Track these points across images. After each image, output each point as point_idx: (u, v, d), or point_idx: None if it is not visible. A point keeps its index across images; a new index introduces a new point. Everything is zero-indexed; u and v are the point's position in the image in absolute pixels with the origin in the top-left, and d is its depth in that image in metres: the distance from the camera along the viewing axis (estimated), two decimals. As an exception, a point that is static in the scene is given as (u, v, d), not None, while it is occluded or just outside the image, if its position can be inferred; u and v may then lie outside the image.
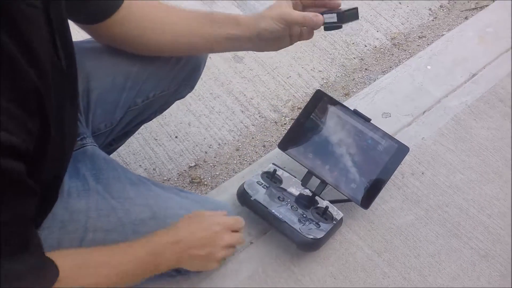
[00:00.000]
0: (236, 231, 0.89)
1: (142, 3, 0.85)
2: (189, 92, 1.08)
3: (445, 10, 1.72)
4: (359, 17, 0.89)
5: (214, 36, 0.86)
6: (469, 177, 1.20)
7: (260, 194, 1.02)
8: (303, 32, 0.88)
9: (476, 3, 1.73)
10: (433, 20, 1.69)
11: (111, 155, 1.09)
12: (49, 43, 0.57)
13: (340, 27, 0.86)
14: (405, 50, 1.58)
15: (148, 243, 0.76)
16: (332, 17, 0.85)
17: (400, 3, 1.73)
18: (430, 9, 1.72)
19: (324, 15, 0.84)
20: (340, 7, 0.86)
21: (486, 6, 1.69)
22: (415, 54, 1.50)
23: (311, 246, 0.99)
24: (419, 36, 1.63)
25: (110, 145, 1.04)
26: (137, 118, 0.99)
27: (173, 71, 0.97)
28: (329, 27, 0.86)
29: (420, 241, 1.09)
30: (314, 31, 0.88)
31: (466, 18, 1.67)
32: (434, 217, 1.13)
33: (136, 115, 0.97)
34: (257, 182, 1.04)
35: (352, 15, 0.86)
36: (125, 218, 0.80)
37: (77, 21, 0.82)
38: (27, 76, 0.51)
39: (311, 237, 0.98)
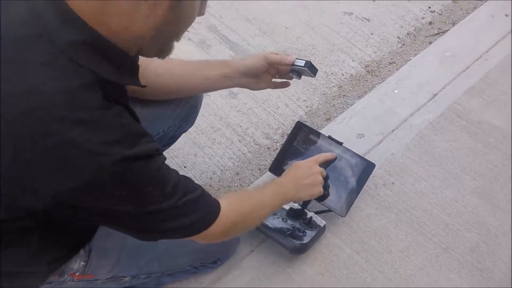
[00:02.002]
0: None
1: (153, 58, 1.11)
2: (190, 126, 1.31)
3: (411, 37, 1.96)
4: (315, 76, 1.15)
5: (210, 76, 1.12)
6: (432, 183, 1.43)
7: (255, 211, 1.25)
8: (280, 75, 1.16)
9: (439, 28, 1.97)
10: (401, 47, 1.93)
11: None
12: None
13: (301, 73, 1.12)
14: (377, 76, 1.82)
15: (277, 184, 1.09)
16: (301, 62, 1.11)
17: (372, 33, 1.98)
18: (398, 37, 1.97)
19: (296, 59, 1.10)
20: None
21: (447, 30, 1.93)
22: (384, 80, 1.74)
23: (300, 250, 1.22)
24: (389, 62, 1.87)
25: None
26: None
27: (176, 110, 1.21)
28: (295, 69, 1.11)
29: (391, 240, 1.31)
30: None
31: (430, 43, 1.91)
32: (403, 220, 1.35)
33: None
34: (253, 201, 1.28)
35: (313, 69, 1.11)
36: None
37: None
38: None
39: (299, 243, 1.21)
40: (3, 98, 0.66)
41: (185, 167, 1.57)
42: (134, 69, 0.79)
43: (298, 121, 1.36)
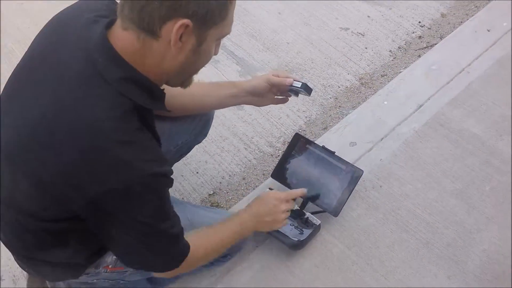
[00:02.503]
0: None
1: None
2: (204, 138, 1.51)
3: (402, 51, 2.14)
4: (310, 95, 1.34)
5: (221, 96, 1.33)
6: (416, 186, 1.61)
7: (259, 212, 1.45)
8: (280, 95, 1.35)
9: (427, 42, 2.15)
10: (393, 60, 2.11)
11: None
12: None
13: (299, 93, 1.31)
14: (370, 88, 2.00)
15: (238, 219, 1.23)
16: (298, 84, 1.30)
17: (366, 47, 2.16)
18: (390, 51, 2.15)
19: (294, 80, 1.29)
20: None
21: (435, 44, 2.11)
22: (376, 92, 1.92)
23: (298, 246, 1.41)
24: (381, 75, 2.05)
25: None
26: (171, 160, 1.43)
27: (192, 124, 1.41)
28: (292, 89, 1.31)
29: (379, 237, 1.50)
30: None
31: (419, 56, 2.09)
32: (389, 219, 1.54)
33: (171, 157, 1.41)
34: (257, 203, 1.47)
35: (309, 90, 1.30)
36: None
37: None
38: None
39: (297, 239, 1.40)
40: (70, 122, 0.86)
41: (197, 172, 1.77)
42: (161, 97, 0.97)
43: (296, 133, 1.55)
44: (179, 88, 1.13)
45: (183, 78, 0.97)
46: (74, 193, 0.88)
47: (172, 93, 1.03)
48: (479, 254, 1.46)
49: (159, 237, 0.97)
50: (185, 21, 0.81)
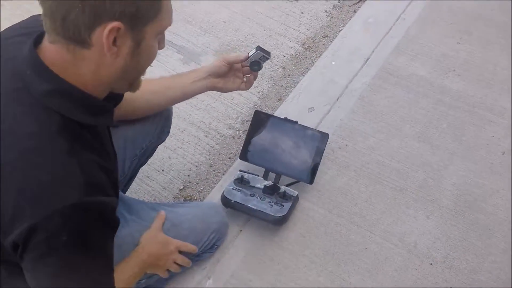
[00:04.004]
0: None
1: None
2: (167, 135, 1.47)
3: (337, 9, 2.16)
4: (270, 57, 1.32)
5: (183, 85, 1.29)
6: (379, 137, 1.65)
7: (237, 197, 1.43)
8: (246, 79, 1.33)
9: (360, -4, 2.18)
10: (330, 20, 2.12)
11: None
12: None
13: (260, 62, 1.30)
14: (314, 51, 2.01)
15: (137, 269, 1.14)
16: (253, 50, 1.29)
17: (302, 12, 2.16)
18: (326, 11, 2.16)
19: (249, 53, 1.28)
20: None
21: (367, -3, 2.14)
22: (321, 54, 1.93)
23: (281, 221, 1.42)
24: (322, 36, 2.06)
25: (124, 190, 1.44)
26: (138, 164, 1.39)
27: (153, 124, 1.36)
28: (252, 60, 1.29)
29: (356, 194, 1.53)
30: None
31: (355, 11, 2.11)
32: (361, 174, 1.57)
33: (137, 162, 1.37)
34: (232, 188, 1.46)
35: (266, 51, 1.29)
36: None
37: None
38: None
39: (279, 215, 1.40)
40: None
41: (163, 170, 1.73)
42: (104, 110, 0.88)
43: (256, 110, 1.54)
44: (143, 87, 1.07)
45: (129, 82, 0.90)
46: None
47: (132, 95, 0.98)
48: (450, 188, 1.52)
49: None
50: (115, 24, 0.75)
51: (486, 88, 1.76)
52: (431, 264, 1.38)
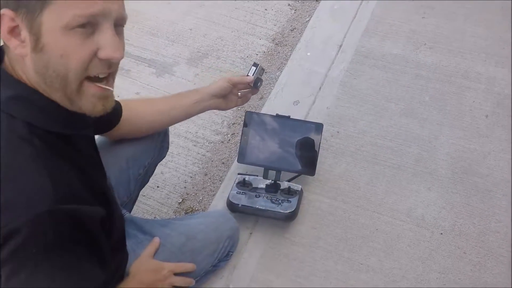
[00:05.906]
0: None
1: (133, 102, 1.21)
2: (167, 151, 1.42)
3: (300, 1, 2.17)
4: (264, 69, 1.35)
5: (186, 105, 1.27)
6: (367, 119, 1.67)
7: (243, 200, 1.41)
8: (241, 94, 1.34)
9: (319, -15, 2.20)
10: (295, 12, 2.14)
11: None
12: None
13: (260, 77, 1.33)
14: (285, 45, 2.02)
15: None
16: (253, 68, 1.32)
17: (265, 9, 2.16)
18: (289, 5, 2.17)
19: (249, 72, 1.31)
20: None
21: (327, -15, 2.16)
22: (294, 47, 1.94)
23: (292, 216, 1.41)
24: (290, 29, 2.07)
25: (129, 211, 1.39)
26: (142, 183, 1.35)
27: (153, 141, 1.32)
28: (255, 79, 1.32)
29: (356, 178, 1.55)
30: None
31: (317, 1, 2.13)
32: (358, 158, 1.59)
33: (141, 181, 1.33)
34: (236, 192, 1.44)
35: (261, 67, 1.31)
36: (173, 247, 1.18)
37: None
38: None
39: (288, 211, 1.39)
40: None
41: (158, 187, 1.69)
42: (73, 120, 0.80)
43: (247, 111, 1.53)
44: (146, 106, 1.05)
45: (63, 93, 0.75)
46: None
47: (138, 114, 0.94)
48: (445, 158, 1.56)
49: None
50: (3, 11, 0.67)
51: (458, 56, 1.81)
52: (441, 234, 1.42)
